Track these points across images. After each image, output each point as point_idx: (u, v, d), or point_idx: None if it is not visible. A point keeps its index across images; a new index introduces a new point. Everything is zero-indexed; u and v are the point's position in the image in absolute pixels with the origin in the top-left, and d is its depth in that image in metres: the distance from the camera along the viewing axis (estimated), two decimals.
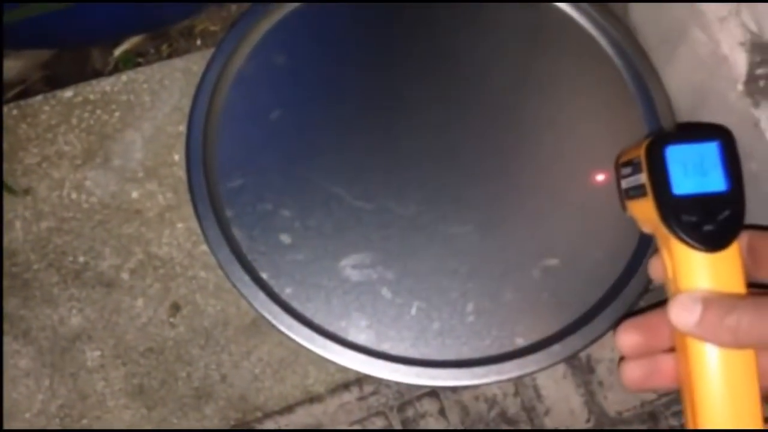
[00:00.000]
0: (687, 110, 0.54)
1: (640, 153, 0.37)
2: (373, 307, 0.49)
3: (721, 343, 0.32)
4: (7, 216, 0.52)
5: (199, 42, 0.63)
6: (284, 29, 0.57)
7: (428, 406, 0.51)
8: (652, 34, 0.55)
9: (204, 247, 0.52)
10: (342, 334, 0.49)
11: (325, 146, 0.53)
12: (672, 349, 0.37)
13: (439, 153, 0.53)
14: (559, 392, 0.52)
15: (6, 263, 0.51)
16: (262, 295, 0.48)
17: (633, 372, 0.37)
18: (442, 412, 0.51)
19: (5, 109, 0.55)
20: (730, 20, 0.46)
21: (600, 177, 0.52)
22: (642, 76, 0.55)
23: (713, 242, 0.34)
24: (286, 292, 0.49)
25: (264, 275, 0.50)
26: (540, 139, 0.54)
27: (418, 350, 0.49)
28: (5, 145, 0.54)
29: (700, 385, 0.33)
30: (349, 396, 0.51)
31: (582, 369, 0.52)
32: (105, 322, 0.50)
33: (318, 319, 0.49)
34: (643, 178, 0.37)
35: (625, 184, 0.41)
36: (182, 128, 0.54)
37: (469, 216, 0.52)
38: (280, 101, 0.54)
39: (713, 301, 0.32)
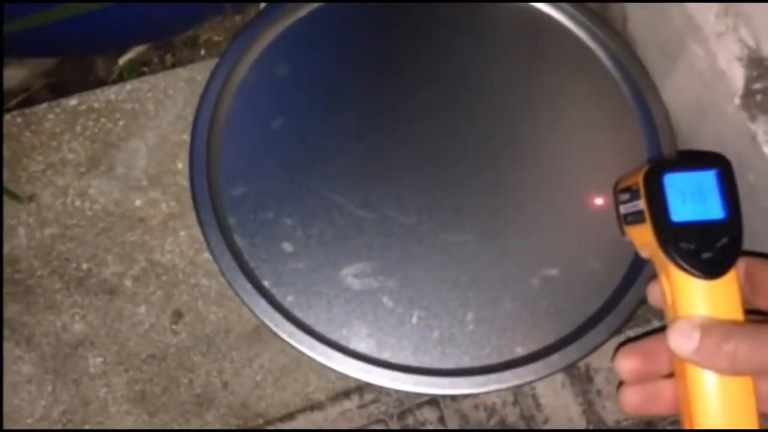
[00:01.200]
0: (685, 123, 0.55)
1: (639, 180, 0.38)
2: (373, 315, 0.50)
3: (719, 370, 0.32)
4: (11, 222, 0.52)
5: (203, 52, 0.63)
6: (287, 40, 0.57)
7: (428, 414, 0.51)
8: (651, 47, 0.56)
9: (206, 255, 0.52)
10: (343, 342, 0.49)
11: (326, 155, 0.54)
12: (671, 375, 0.37)
13: (440, 162, 0.54)
14: (557, 401, 0.52)
15: (9, 270, 0.51)
16: (263, 303, 0.49)
17: (632, 397, 0.38)
18: (441, 420, 0.51)
19: (8, 117, 0.55)
20: (728, 35, 0.47)
21: (598, 189, 0.53)
22: (640, 88, 0.56)
23: (711, 269, 0.34)
24: (288, 300, 0.50)
25: (266, 283, 0.50)
26: (539, 150, 0.55)
27: (418, 359, 0.49)
28: (9, 153, 0.54)
29: (699, 411, 0.33)
30: (350, 404, 0.51)
31: (581, 378, 0.52)
32: (107, 328, 0.50)
33: (319, 327, 0.49)
34: (641, 204, 0.38)
35: (623, 209, 0.41)
36: (186, 137, 0.55)
37: (469, 225, 0.52)
38: (282, 110, 0.55)
39: (711, 328, 0.32)
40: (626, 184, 0.41)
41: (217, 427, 0.49)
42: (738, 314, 0.34)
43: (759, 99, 0.47)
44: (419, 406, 0.52)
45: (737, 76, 0.47)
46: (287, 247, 0.51)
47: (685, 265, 0.34)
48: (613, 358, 0.39)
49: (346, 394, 0.51)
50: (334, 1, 0.58)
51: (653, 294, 0.39)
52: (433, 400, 0.52)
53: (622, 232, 0.42)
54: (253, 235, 0.51)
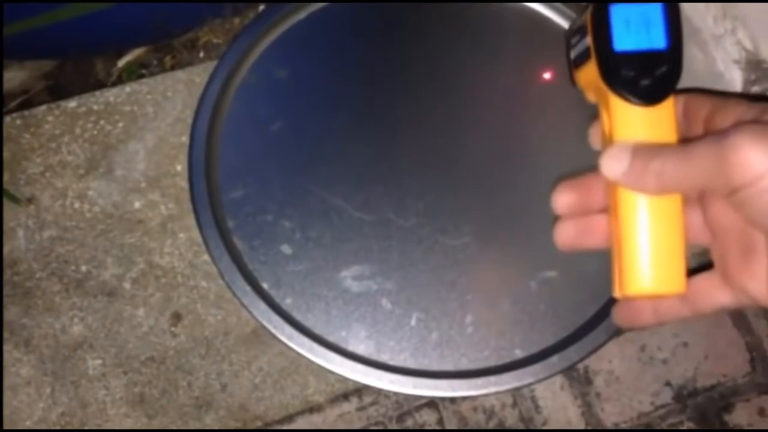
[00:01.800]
0: None
1: (587, 16, 0.38)
2: (372, 317, 0.50)
3: (647, 190, 0.33)
4: (10, 225, 0.52)
5: (202, 54, 0.64)
6: (286, 43, 0.57)
7: (427, 416, 0.52)
8: None
9: (205, 257, 0.52)
10: (342, 344, 0.49)
11: (325, 158, 0.54)
12: (605, 210, 0.37)
13: (439, 165, 0.54)
14: (556, 403, 0.52)
15: (8, 272, 0.51)
16: (262, 305, 0.49)
17: (567, 230, 0.38)
18: (440, 422, 0.52)
19: (8, 119, 0.55)
20: (726, 38, 0.47)
21: None
22: None
23: (649, 96, 0.35)
24: (287, 303, 0.50)
25: (265, 285, 0.50)
26: (538, 153, 0.55)
27: (417, 361, 0.49)
28: (8, 155, 0.54)
29: (628, 234, 0.34)
30: (349, 406, 0.51)
31: (579, 380, 0.53)
32: (106, 331, 0.50)
33: (318, 330, 0.49)
34: (588, 40, 0.38)
35: (573, 53, 0.41)
36: (185, 139, 0.55)
37: (468, 228, 0.52)
38: (281, 113, 0.55)
39: (641, 149, 0.33)
40: (577, 26, 0.41)
41: (216, 429, 0.49)
42: (672, 140, 0.34)
43: None
44: (418, 408, 0.52)
45: (736, 78, 0.47)
46: (286, 249, 0.51)
47: (623, 92, 0.35)
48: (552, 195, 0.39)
49: (345, 396, 0.52)
50: (332, 2, 0.58)
51: (594, 135, 0.39)
52: (432, 403, 0.52)
53: (572, 81, 0.42)
54: (252, 238, 0.51)
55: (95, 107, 0.56)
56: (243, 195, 0.52)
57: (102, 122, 0.55)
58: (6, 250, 0.52)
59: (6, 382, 0.49)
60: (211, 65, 0.56)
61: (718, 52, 0.48)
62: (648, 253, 0.33)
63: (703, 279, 0.34)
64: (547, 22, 0.59)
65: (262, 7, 0.63)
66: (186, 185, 0.53)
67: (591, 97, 0.40)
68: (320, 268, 0.51)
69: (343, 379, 0.48)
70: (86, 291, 0.51)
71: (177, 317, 0.51)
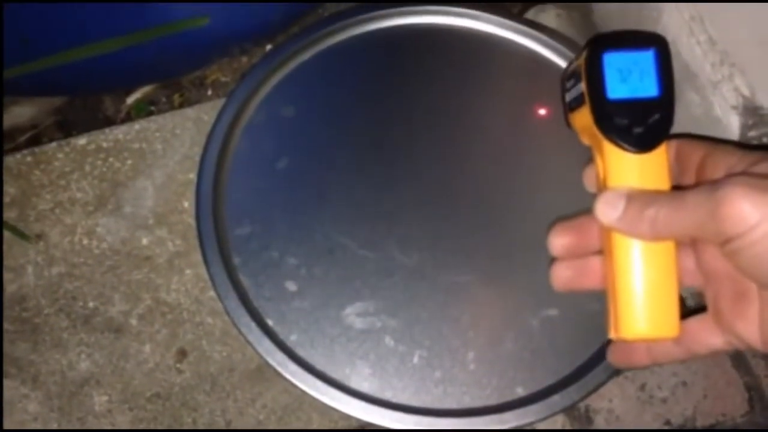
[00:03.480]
0: None
1: (581, 62, 0.39)
2: (376, 354, 0.50)
3: (641, 236, 0.33)
4: (19, 261, 0.53)
5: (210, 92, 0.65)
6: (293, 81, 0.58)
7: None
8: None
9: (211, 294, 0.53)
10: (345, 381, 0.49)
11: (330, 195, 0.55)
12: (601, 252, 0.38)
13: (442, 203, 0.55)
14: None
15: (17, 308, 0.52)
16: (267, 342, 0.49)
17: (563, 272, 0.38)
18: None
19: (18, 156, 0.57)
20: (723, 84, 0.48)
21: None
22: None
23: (642, 143, 0.35)
24: (291, 339, 0.50)
25: (270, 322, 0.51)
26: (539, 192, 0.56)
27: (419, 398, 0.49)
28: (18, 192, 0.55)
29: (622, 280, 0.34)
30: None
31: (580, 419, 0.53)
32: (113, 367, 0.51)
33: (322, 367, 0.50)
34: (582, 86, 0.39)
35: (568, 97, 0.42)
36: (192, 176, 0.56)
37: (470, 265, 0.53)
38: (287, 151, 0.56)
39: (635, 196, 0.33)
40: (571, 70, 0.42)
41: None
42: (665, 187, 0.35)
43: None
44: None
45: (733, 123, 0.48)
46: (291, 286, 0.52)
47: (617, 139, 0.36)
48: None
49: None
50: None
51: (588, 178, 0.40)
52: None
53: (568, 124, 0.43)
54: (258, 274, 0.52)
55: (104, 144, 0.57)
56: (249, 232, 0.53)
57: (111, 159, 0.56)
58: (15, 286, 0.53)
59: (13, 418, 0.49)
60: (219, 103, 0.57)
61: (715, 97, 0.49)
62: (642, 298, 0.34)
63: (696, 322, 0.34)
64: (549, 63, 0.60)
65: (269, 46, 0.64)
66: (193, 222, 0.54)
67: (585, 140, 0.41)
68: (325, 305, 0.51)
69: (347, 417, 0.49)
70: (93, 327, 0.52)
71: (182, 354, 0.52)
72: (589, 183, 0.40)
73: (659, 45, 0.39)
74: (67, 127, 0.65)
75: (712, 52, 0.49)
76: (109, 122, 0.64)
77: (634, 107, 0.36)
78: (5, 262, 0.53)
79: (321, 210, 0.54)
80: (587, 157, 0.56)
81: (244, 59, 0.65)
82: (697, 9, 0.49)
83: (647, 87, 0.37)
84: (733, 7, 0.46)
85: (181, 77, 0.65)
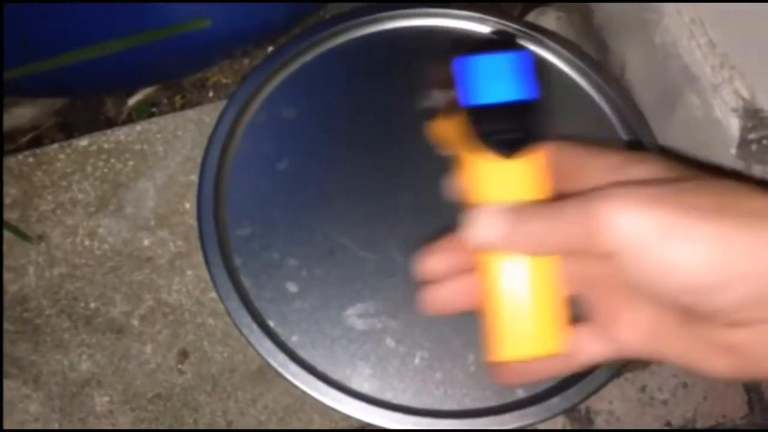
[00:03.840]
0: None
1: (443, 66, 0.37)
2: (376, 355, 0.50)
3: (515, 252, 0.31)
4: (21, 261, 0.53)
5: (211, 94, 0.65)
6: (294, 83, 0.59)
7: None
8: (648, 94, 0.58)
9: (212, 295, 0.53)
10: (346, 382, 0.50)
11: (330, 196, 0.55)
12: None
13: (442, 205, 0.55)
14: None
15: (18, 309, 0.52)
16: (268, 343, 0.49)
17: (437, 296, 0.35)
18: None
19: (20, 156, 0.57)
20: (724, 87, 0.48)
21: None
22: (638, 134, 0.57)
23: (514, 149, 0.32)
24: (293, 340, 0.50)
25: (271, 323, 0.51)
26: None
27: (420, 399, 0.50)
28: (20, 193, 0.55)
29: (497, 300, 0.31)
30: None
31: (581, 421, 0.53)
32: (114, 367, 0.51)
33: (323, 368, 0.50)
34: (446, 91, 0.37)
35: (427, 103, 0.40)
36: (194, 177, 0.56)
37: None
38: (288, 152, 0.56)
39: (507, 212, 0.31)
40: (434, 74, 0.39)
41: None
42: (541, 196, 0.32)
43: (754, 148, 0.48)
44: None
45: (733, 126, 0.48)
46: (292, 287, 0.52)
47: (485, 147, 0.33)
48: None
49: None
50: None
51: (453, 188, 0.37)
52: None
53: (428, 131, 0.41)
54: (259, 275, 0.52)
55: (106, 146, 0.57)
56: (250, 233, 0.53)
57: (113, 161, 0.57)
58: (16, 287, 0.53)
59: (14, 418, 0.50)
60: (220, 105, 0.57)
61: (715, 100, 0.49)
62: (520, 316, 0.31)
63: (577, 331, 0.32)
64: (550, 65, 0.60)
65: (270, 48, 0.64)
66: (194, 223, 0.54)
67: (450, 149, 0.38)
68: (325, 306, 0.51)
69: (347, 417, 0.49)
70: (95, 328, 0.52)
71: (184, 354, 0.52)
72: (455, 194, 0.37)
73: (522, 48, 0.36)
74: (68, 128, 0.65)
75: (713, 54, 0.49)
76: (111, 124, 0.64)
77: (503, 112, 0.34)
78: (6, 263, 0.53)
79: (321, 211, 0.54)
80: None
81: (245, 61, 0.65)
82: (697, 12, 0.50)
83: (514, 90, 0.35)
84: (734, 10, 0.47)
85: (183, 79, 0.65)
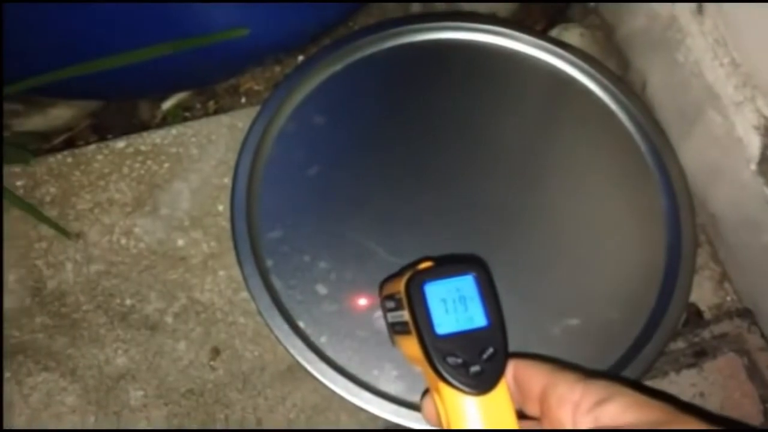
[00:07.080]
0: (700, 184, 0.57)
1: (400, 289, 0.37)
2: (404, 358, 0.52)
3: None
4: (59, 258, 0.55)
5: (243, 100, 0.67)
6: (324, 91, 0.60)
7: None
8: (669, 111, 0.59)
9: (244, 294, 0.55)
10: (374, 383, 0.51)
11: (358, 202, 0.56)
12: None
13: (466, 214, 0.57)
14: None
15: (56, 304, 0.54)
16: (299, 343, 0.51)
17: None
18: None
19: (59, 156, 0.58)
20: (746, 105, 0.50)
21: (617, 244, 0.56)
22: (659, 150, 0.59)
23: (481, 384, 0.33)
24: (322, 341, 0.52)
25: (301, 323, 0.52)
26: (561, 205, 0.58)
27: None
28: (59, 191, 0.57)
29: None
30: None
31: None
32: (148, 363, 0.53)
33: (351, 368, 0.51)
34: (406, 315, 0.37)
35: (390, 318, 0.41)
36: (227, 180, 0.58)
37: (494, 273, 0.54)
38: (318, 158, 0.58)
39: None
40: (389, 292, 0.40)
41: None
42: (511, 424, 0.33)
43: None
44: None
45: (754, 143, 0.50)
46: (321, 289, 0.53)
47: (455, 383, 0.33)
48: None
49: None
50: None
51: (428, 410, 0.38)
52: None
53: (392, 342, 0.42)
54: (289, 277, 0.54)
55: (143, 148, 0.59)
56: (281, 235, 0.55)
57: (149, 162, 0.58)
58: (55, 282, 0.54)
59: (51, 410, 0.51)
60: (252, 111, 0.59)
61: (737, 118, 0.51)
62: None
63: None
64: (573, 80, 0.62)
65: (301, 57, 0.66)
66: (227, 225, 0.55)
67: (415, 365, 0.38)
68: (354, 308, 0.53)
69: (374, 418, 0.50)
70: (130, 324, 0.54)
71: (216, 352, 0.54)
72: (429, 415, 0.38)
73: (477, 268, 0.37)
74: (101, 130, 0.67)
75: (735, 74, 0.51)
76: (144, 127, 0.66)
77: (466, 341, 0.34)
78: (46, 259, 0.55)
79: (350, 216, 0.56)
80: (609, 177, 0.58)
81: (277, 69, 0.66)
82: (720, 32, 0.51)
83: (475, 317, 0.35)
84: (757, 30, 0.48)
85: (216, 85, 0.66)
